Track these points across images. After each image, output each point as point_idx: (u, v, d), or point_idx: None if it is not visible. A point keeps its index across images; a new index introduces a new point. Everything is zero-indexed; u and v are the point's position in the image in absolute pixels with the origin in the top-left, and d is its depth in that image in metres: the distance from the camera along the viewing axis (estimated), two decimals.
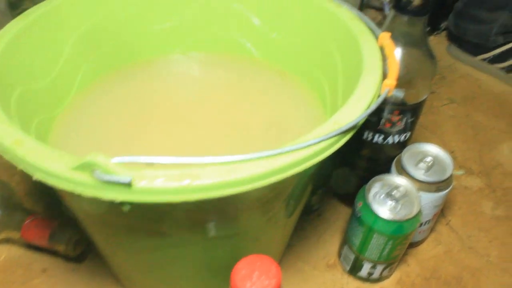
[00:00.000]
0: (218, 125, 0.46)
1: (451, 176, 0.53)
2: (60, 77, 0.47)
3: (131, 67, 0.53)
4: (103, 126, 0.46)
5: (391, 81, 0.34)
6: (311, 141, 0.29)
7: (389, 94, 0.34)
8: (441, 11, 1.00)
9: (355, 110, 0.32)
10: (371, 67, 0.36)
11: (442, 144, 0.76)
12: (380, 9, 0.95)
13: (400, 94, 0.51)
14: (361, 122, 0.32)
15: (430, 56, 0.51)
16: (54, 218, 0.54)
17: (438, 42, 1.03)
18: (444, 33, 1.04)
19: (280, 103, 0.49)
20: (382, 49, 0.39)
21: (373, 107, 0.33)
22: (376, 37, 0.41)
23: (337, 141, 0.31)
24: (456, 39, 0.97)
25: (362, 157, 0.57)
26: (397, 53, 0.49)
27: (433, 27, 1.02)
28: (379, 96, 0.35)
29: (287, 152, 0.28)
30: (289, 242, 0.54)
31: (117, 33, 0.52)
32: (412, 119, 0.53)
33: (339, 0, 0.46)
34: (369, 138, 0.53)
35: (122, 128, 0.45)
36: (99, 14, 0.50)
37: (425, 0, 0.45)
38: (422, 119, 0.80)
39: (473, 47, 0.94)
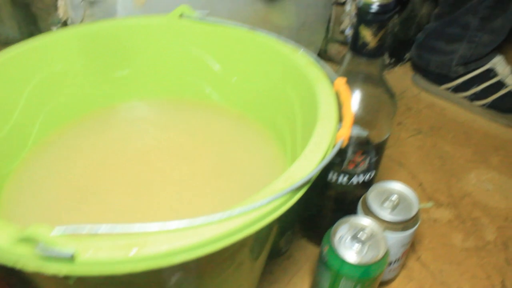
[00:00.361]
0: (178, 176, 0.45)
1: (417, 213, 0.52)
2: (14, 131, 0.45)
3: (90, 117, 0.52)
4: (59, 183, 0.44)
5: (346, 130, 0.34)
6: (263, 201, 0.28)
7: (343, 145, 0.34)
8: (404, 42, 1.02)
9: (308, 164, 0.32)
10: (326, 116, 0.36)
11: (411, 177, 0.76)
12: (345, 43, 0.97)
13: (364, 133, 0.51)
14: (315, 177, 0.31)
15: (390, 94, 0.51)
16: (10, 278, 0.51)
17: (403, 73, 1.04)
18: (409, 64, 1.06)
19: (242, 149, 0.48)
20: (338, 95, 0.39)
21: (327, 159, 0.32)
22: (332, 82, 0.41)
23: (290, 198, 0.30)
24: (420, 69, 0.99)
25: (328, 198, 0.56)
26: (357, 93, 0.49)
27: (398, 58, 1.04)
28: (334, 145, 0.34)
29: (238, 215, 0.27)
30: (258, 287, 0.53)
31: (74, 82, 0.51)
32: (376, 158, 0.53)
33: (296, 43, 0.46)
34: (334, 179, 0.53)
35: (78, 185, 0.44)
36: (53, 64, 0.49)
37: (380, 42, 0.46)
38: (390, 152, 0.80)
39: (437, 77, 0.95)
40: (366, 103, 0.49)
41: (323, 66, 0.43)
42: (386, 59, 1.01)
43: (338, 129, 0.35)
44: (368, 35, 0.45)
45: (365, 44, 0.46)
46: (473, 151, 0.83)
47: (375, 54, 0.46)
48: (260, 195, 0.29)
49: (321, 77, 0.41)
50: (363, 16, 0.45)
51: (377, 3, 0.43)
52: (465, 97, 0.93)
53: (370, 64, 0.48)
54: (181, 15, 0.52)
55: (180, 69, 0.54)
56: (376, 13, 0.44)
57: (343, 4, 0.92)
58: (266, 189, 0.29)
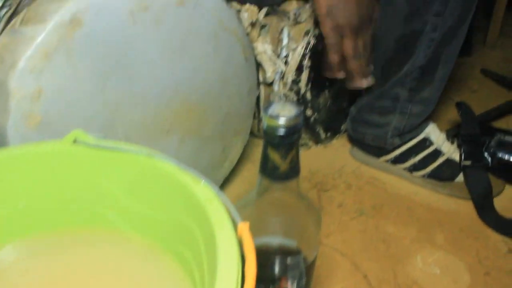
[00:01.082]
0: None
1: None
2: None
3: None
4: None
5: None
6: None
7: None
8: (339, 114, 1.00)
9: None
10: (224, 277, 0.31)
11: (354, 268, 0.71)
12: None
13: (292, 243, 0.47)
14: None
15: (311, 209, 0.47)
16: None
17: (342, 145, 1.02)
18: (346, 135, 1.03)
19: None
20: (241, 242, 0.34)
21: None
22: (236, 225, 0.36)
23: None
24: (357, 142, 0.96)
25: None
26: (276, 216, 0.45)
27: (334, 131, 1.01)
28: None
29: None
30: None
31: None
32: (305, 279, 0.48)
33: (199, 173, 0.41)
34: None
35: None
36: None
37: (291, 165, 0.41)
38: (332, 240, 0.76)
39: (374, 150, 0.93)
40: (287, 226, 0.45)
41: (225, 202, 0.38)
42: (322, 134, 0.99)
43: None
44: (277, 159, 0.41)
45: (275, 167, 0.41)
46: (417, 229, 0.79)
47: (287, 176, 0.42)
48: None
49: (223, 221, 0.36)
50: (269, 139, 0.40)
51: (283, 125, 0.39)
52: (405, 168, 0.90)
53: (285, 185, 0.43)
54: (75, 141, 0.47)
55: (80, 198, 0.48)
56: (283, 136, 0.40)
57: (271, 84, 0.89)
58: None
